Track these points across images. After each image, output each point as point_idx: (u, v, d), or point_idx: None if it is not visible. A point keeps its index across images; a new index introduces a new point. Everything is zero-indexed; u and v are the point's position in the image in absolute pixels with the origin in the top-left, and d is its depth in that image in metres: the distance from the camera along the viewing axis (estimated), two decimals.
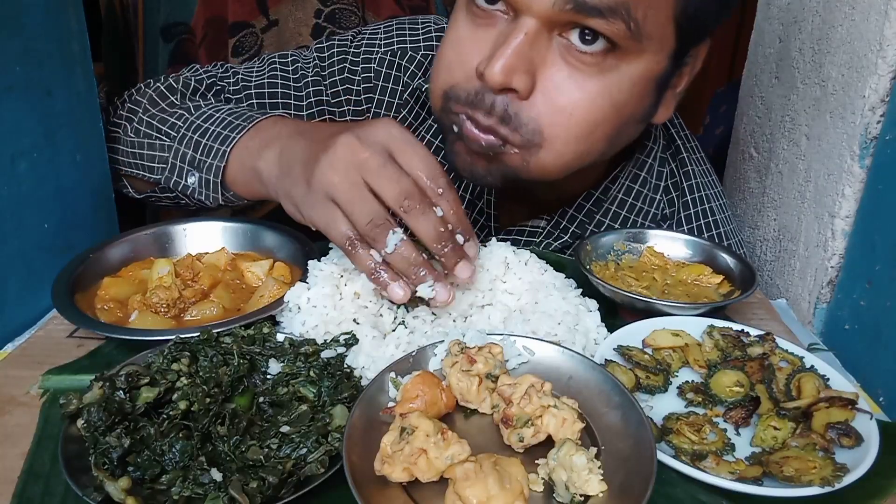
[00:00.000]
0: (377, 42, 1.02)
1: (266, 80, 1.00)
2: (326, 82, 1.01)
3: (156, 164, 0.91)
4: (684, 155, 0.95)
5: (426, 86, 0.98)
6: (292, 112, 1.01)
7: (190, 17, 1.71)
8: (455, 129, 0.78)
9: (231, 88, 1.00)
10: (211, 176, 0.85)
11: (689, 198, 0.94)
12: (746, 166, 1.22)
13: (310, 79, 1.01)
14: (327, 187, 0.67)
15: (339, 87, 1.01)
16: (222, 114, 0.87)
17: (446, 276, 0.70)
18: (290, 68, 1.02)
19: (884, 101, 0.84)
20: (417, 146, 0.69)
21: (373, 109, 1.02)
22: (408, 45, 1.01)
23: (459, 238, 0.69)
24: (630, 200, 0.93)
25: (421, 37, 1.02)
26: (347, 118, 1.02)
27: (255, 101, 1.00)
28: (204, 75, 1.01)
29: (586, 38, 0.71)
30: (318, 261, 0.75)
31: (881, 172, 0.85)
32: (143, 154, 0.92)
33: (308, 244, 0.82)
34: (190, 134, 0.87)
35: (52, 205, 0.82)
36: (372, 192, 0.66)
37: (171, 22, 1.72)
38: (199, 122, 0.88)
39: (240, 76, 1.01)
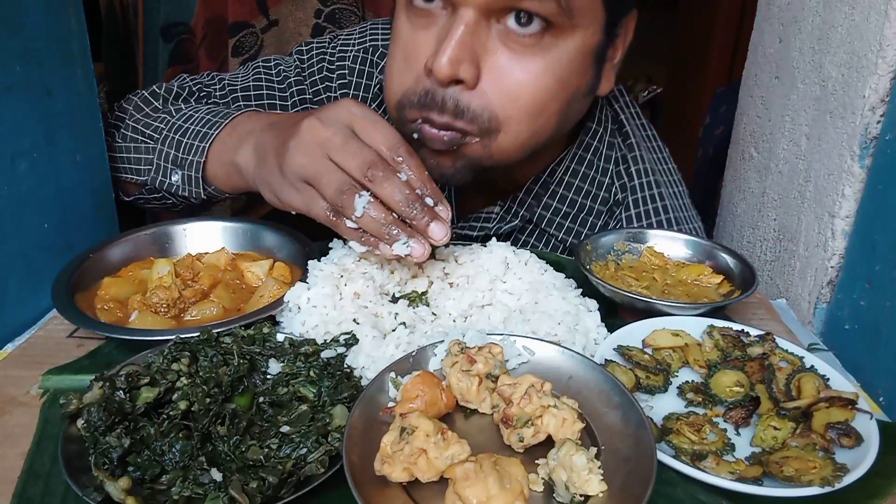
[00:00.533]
0: (352, 42, 1.06)
1: (252, 84, 1.05)
2: (307, 82, 1.06)
3: (142, 167, 0.95)
4: (632, 140, 0.97)
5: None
6: (278, 112, 1.04)
7: (190, 17, 1.71)
8: (415, 136, 0.80)
9: (218, 94, 1.05)
10: (192, 172, 0.89)
11: (636, 182, 0.96)
12: (746, 166, 1.22)
13: (292, 79, 1.05)
14: (297, 169, 0.71)
15: (319, 86, 1.05)
16: (201, 113, 0.91)
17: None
18: (274, 71, 1.06)
19: (884, 101, 0.84)
20: (377, 121, 0.71)
21: None
22: (379, 43, 1.05)
23: (429, 201, 0.70)
24: (577, 183, 0.95)
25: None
26: None
27: (241, 103, 1.04)
28: (189, 83, 1.06)
29: (521, 21, 0.74)
30: (318, 261, 0.75)
31: (881, 172, 0.85)
32: (130, 158, 0.95)
33: (308, 244, 0.82)
34: (172, 134, 0.91)
35: (52, 205, 0.82)
36: (338, 166, 0.69)
37: (171, 22, 1.72)
38: (180, 122, 0.92)
39: (226, 82, 1.06)
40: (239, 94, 1.04)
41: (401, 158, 0.69)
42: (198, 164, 0.88)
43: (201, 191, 0.90)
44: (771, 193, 1.11)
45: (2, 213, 0.75)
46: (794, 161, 1.04)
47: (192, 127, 0.90)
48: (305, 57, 1.06)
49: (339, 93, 1.05)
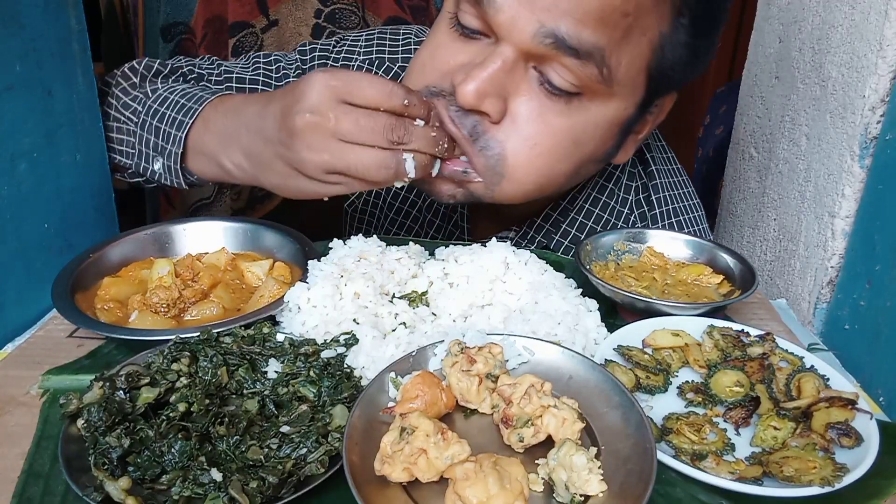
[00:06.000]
0: (357, 50, 1.04)
1: (248, 76, 1.02)
2: None
3: (124, 149, 0.93)
4: (653, 168, 0.96)
5: None
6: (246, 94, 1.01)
7: (190, 17, 1.71)
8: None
9: (214, 80, 1.01)
10: (171, 163, 0.87)
11: (657, 210, 0.95)
12: (746, 166, 1.22)
13: (291, 78, 1.02)
14: (322, 166, 0.71)
15: None
16: (176, 96, 0.89)
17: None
18: (273, 67, 1.03)
19: (884, 101, 0.84)
20: (359, 78, 0.70)
21: None
22: (385, 56, 1.03)
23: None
24: (597, 211, 0.94)
25: (400, 47, 1.03)
26: None
27: (234, 91, 1.00)
28: (184, 63, 1.02)
29: (560, 75, 0.73)
30: (318, 261, 0.75)
31: (881, 172, 0.85)
32: (113, 137, 0.93)
33: (308, 244, 0.82)
34: (150, 119, 0.89)
35: (52, 205, 0.82)
36: (363, 145, 0.70)
37: (171, 22, 1.72)
38: (156, 105, 0.90)
39: (224, 68, 1.03)
40: (234, 84, 1.01)
41: (404, 100, 0.70)
42: (176, 155, 0.86)
43: (181, 180, 0.89)
44: (771, 193, 1.11)
45: (2, 213, 0.75)
46: (794, 161, 1.04)
47: (169, 112, 0.87)
48: (308, 58, 1.04)
49: None
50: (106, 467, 0.52)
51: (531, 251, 0.79)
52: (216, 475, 0.51)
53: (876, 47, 0.83)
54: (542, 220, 0.94)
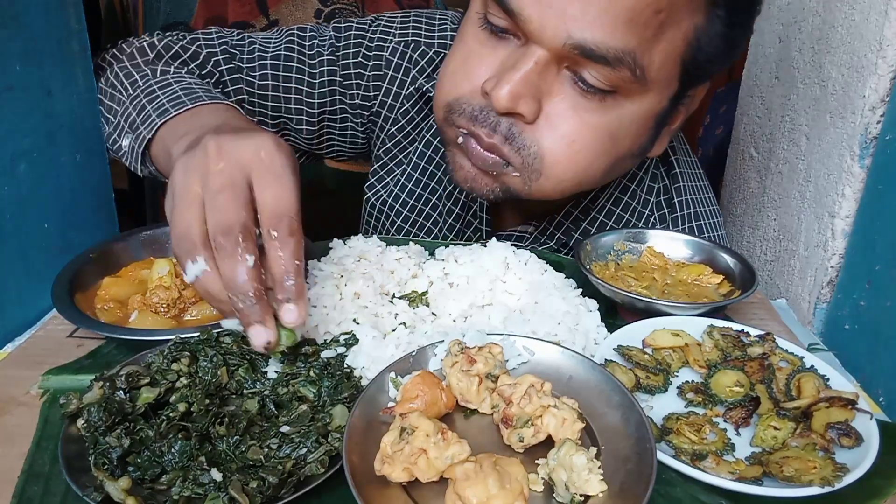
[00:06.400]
0: (392, 31, 1.01)
1: (283, 52, 0.98)
2: (340, 63, 1.00)
3: (109, 116, 0.89)
4: (676, 171, 0.95)
5: (427, 85, 0.98)
6: (304, 87, 0.98)
7: (190, 17, 1.71)
8: (459, 140, 0.79)
9: (246, 57, 0.97)
10: (137, 144, 0.83)
11: (678, 213, 0.95)
12: (746, 166, 1.22)
13: (325, 57, 0.99)
14: (172, 186, 0.61)
15: (352, 70, 1.00)
16: (179, 86, 0.84)
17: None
18: (307, 44, 0.99)
19: (884, 101, 0.84)
20: (280, 178, 0.59)
21: (380, 97, 1.01)
22: (422, 39, 1.00)
23: (289, 287, 0.58)
24: (618, 211, 0.94)
25: (436, 33, 1.01)
26: (357, 101, 1.01)
27: (269, 71, 0.97)
28: (216, 40, 0.98)
29: (593, 76, 0.72)
30: (318, 261, 0.75)
31: (881, 172, 0.85)
32: (104, 104, 0.90)
33: (308, 244, 0.82)
34: (141, 97, 0.85)
35: (52, 205, 0.82)
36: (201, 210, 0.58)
37: (171, 22, 1.72)
38: (154, 86, 0.85)
39: (256, 46, 0.98)
40: (268, 61, 0.96)
41: (276, 234, 0.57)
42: (143, 139, 0.81)
43: (139, 166, 0.84)
44: (771, 193, 1.11)
45: (2, 213, 0.75)
46: (794, 161, 1.04)
47: (161, 97, 0.82)
48: (343, 35, 1.00)
49: (372, 83, 1.00)
50: (106, 467, 0.52)
51: (531, 251, 0.79)
52: (216, 475, 0.51)
53: (876, 47, 0.83)
54: (563, 217, 0.94)
